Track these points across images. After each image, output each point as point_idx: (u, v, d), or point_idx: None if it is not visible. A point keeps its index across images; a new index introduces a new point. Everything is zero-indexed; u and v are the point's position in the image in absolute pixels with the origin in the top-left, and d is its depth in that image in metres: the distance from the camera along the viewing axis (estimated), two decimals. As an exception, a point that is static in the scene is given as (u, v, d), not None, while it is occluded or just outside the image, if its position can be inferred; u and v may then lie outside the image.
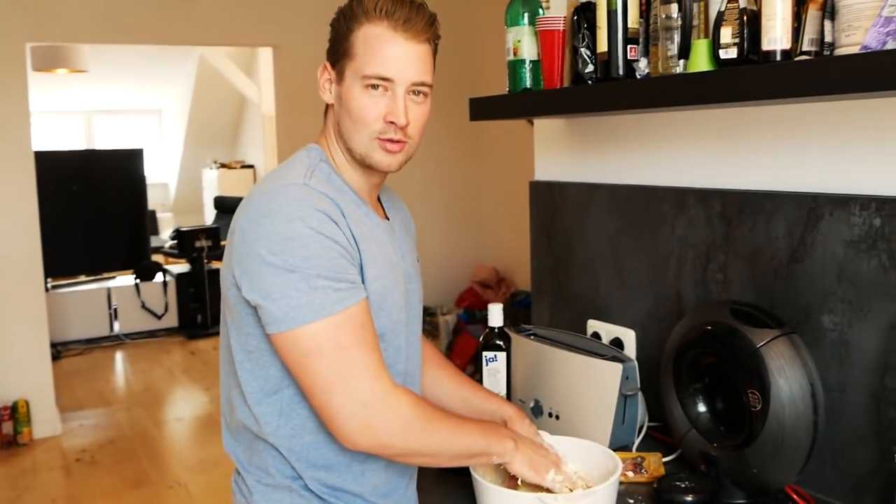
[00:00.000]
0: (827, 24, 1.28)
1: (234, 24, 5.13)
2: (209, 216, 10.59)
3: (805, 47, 1.28)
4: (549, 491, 1.36)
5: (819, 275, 1.47)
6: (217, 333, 7.07)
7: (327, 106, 1.37)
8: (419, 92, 1.30)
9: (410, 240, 1.52)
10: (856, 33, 1.20)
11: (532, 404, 1.82)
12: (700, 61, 1.39)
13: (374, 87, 1.26)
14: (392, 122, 1.27)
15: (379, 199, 1.45)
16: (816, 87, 1.18)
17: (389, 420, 1.20)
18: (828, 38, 1.28)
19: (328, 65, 1.32)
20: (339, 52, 1.29)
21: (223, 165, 10.90)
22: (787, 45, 1.27)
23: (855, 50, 1.18)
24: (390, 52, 1.26)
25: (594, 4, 1.61)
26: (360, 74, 1.26)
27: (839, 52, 1.23)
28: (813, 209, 1.48)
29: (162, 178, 11.87)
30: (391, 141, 1.29)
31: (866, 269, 1.40)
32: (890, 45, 1.14)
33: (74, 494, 3.98)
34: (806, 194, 1.49)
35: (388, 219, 1.43)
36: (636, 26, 1.55)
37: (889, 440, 1.36)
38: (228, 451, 1.39)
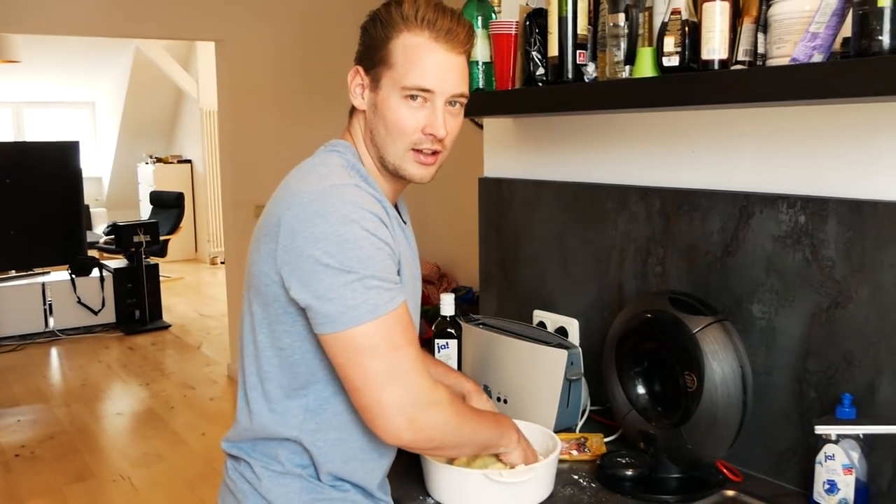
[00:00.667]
0: (760, 36, 1.39)
1: (175, 17, 5.10)
2: (145, 211, 10.45)
3: (740, 57, 1.39)
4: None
5: (749, 267, 1.60)
6: (155, 329, 7.03)
7: (354, 109, 1.36)
8: (456, 103, 1.31)
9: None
10: (786, 46, 1.32)
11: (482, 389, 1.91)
12: (644, 67, 1.50)
13: (413, 97, 1.26)
14: (431, 135, 1.28)
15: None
16: (749, 95, 1.29)
17: (434, 416, 1.24)
18: (761, 50, 1.40)
19: (360, 70, 1.31)
20: (374, 59, 1.28)
21: (159, 160, 10.77)
22: (724, 55, 1.38)
23: (785, 61, 1.30)
24: (431, 62, 1.25)
25: (546, 11, 1.71)
26: (399, 85, 1.25)
27: (771, 62, 1.35)
28: (745, 207, 1.60)
29: (95, 172, 11.65)
30: (426, 153, 1.30)
31: (792, 263, 1.53)
32: (816, 58, 1.26)
33: (15, 489, 3.94)
34: (738, 193, 1.62)
35: (405, 222, 1.46)
36: (585, 33, 1.66)
37: (810, 418, 1.48)
38: (227, 447, 1.40)
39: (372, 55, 1.28)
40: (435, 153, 1.31)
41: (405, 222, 1.45)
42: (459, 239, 5.34)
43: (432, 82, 1.26)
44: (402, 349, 1.21)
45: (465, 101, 1.33)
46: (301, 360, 1.28)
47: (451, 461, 1.50)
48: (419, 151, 1.30)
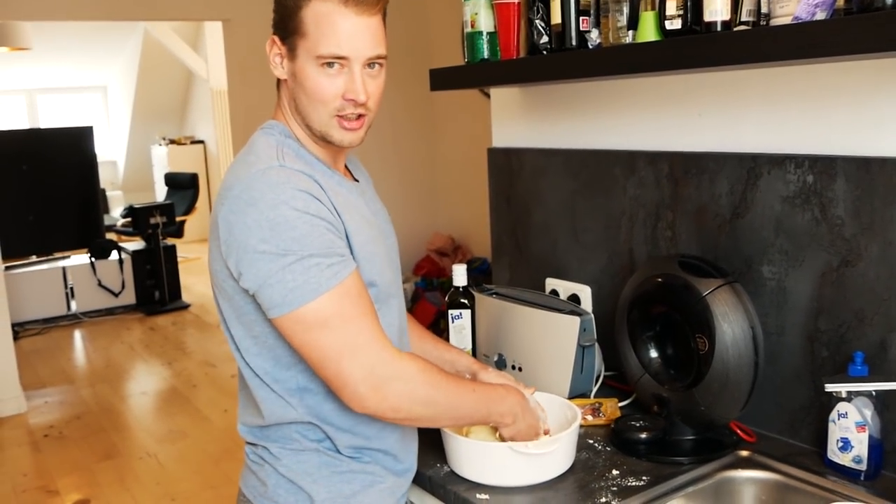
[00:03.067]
0: (763, -6, 1.39)
1: (182, -1, 5.11)
2: (160, 193, 10.52)
3: (744, 18, 1.39)
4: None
5: (759, 228, 1.60)
6: (175, 309, 7.10)
7: (279, 80, 1.36)
8: (374, 64, 1.29)
9: (376, 195, 1.55)
10: (789, 4, 1.31)
11: (496, 358, 1.93)
12: (647, 32, 1.49)
13: (330, 65, 1.25)
14: (351, 100, 1.28)
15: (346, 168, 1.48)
16: (752, 55, 1.29)
17: (397, 385, 1.23)
18: (764, 10, 1.39)
19: (276, 39, 1.30)
20: (288, 29, 1.27)
21: (172, 141, 10.81)
22: (726, 17, 1.38)
23: (788, 20, 1.29)
24: (343, 29, 1.24)
25: (548, -21, 1.70)
26: (314, 54, 1.25)
27: (774, 22, 1.34)
28: (752, 168, 1.60)
29: (110, 155, 11.72)
30: (349, 118, 1.29)
31: (801, 222, 1.53)
32: (819, 16, 1.25)
33: (45, 468, 4.03)
34: (746, 154, 1.61)
35: (356, 181, 1.46)
36: (588, -1, 1.65)
37: (822, 377, 1.49)
38: (243, 432, 1.42)
39: (286, 24, 1.27)
40: (360, 116, 1.31)
41: (357, 180, 1.46)
42: (473, 210, 5.34)
43: (346, 48, 1.25)
44: (354, 321, 1.22)
45: (383, 61, 1.31)
46: (276, 343, 1.29)
47: (464, 432, 1.52)
48: (343, 117, 1.29)
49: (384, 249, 1.41)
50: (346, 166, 1.47)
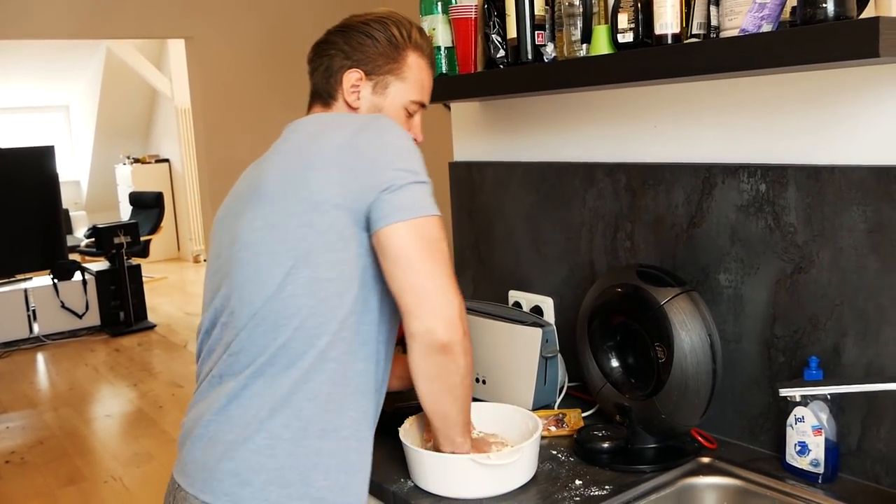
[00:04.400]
0: (713, 9, 1.42)
1: (143, 16, 5.08)
2: (125, 212, 10.41)
3: (695, 31, 1.42)
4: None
5: (715, 237, 1.62)
6: (141, 329, 7.02)
7: (333, 101, 1.46)
8: None
9: None
10: (737, 17, 1.34)
11: (460, 371, 1.93)
12: (601, 45, 1.52)
13: (412, 110, 1.48)
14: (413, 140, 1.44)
15: None
16: (700, 67, 1.31)
17: (461, 322, 1.29)
18: (714, 23, 1.42)
19: (363, 74, 1.44)
20: (384, 68, 1.43)
21: (137, 160, 10.72)
22: (676, 30, 1.40)
23: (735, 33, 1.32)
24: (428, 83, 1.49)
25: (503, -6, 1.72)
26: (408, 98, 1.46)
27: (723, 34, 1.37)
28: (707, 178, 1.62)
29: (73, 175, 11.60)
30: None
31: (755, 230, 1.55)
32: (764, 28, 1.28)
33: (6, 495, 3.95)
34: (701, 165, 1.64)
35: None
36: (542, 13, 1.67)
37: (778, 382, 1.51)
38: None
39: (381, 64, 1.44)
40: None
41: None
42: (439, 224, 5.34)
43: (426, 99, 1.50)
44: (447, 255, 1.31)
45: None
46: (342, 296, 1.28)
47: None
48: None
49: None
50: None
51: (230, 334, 1.34)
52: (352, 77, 1.43)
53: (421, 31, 1.49)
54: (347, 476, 1.34)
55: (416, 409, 1.57)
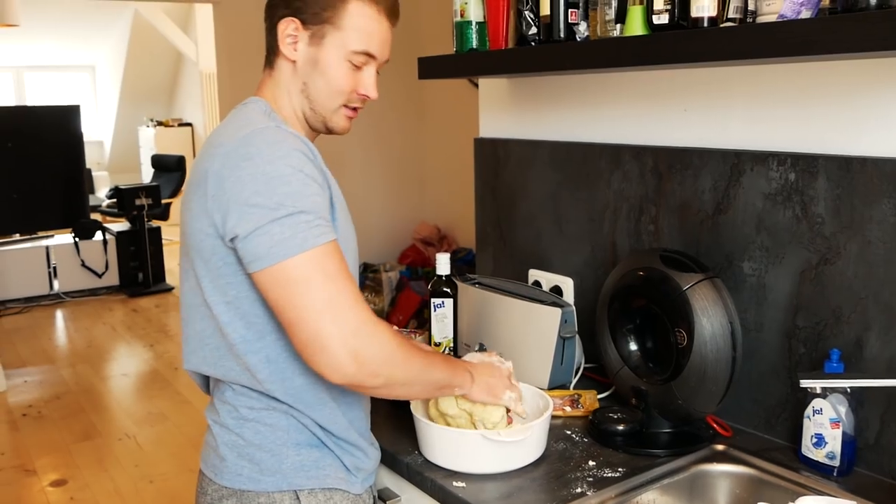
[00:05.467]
0: (751, -8, 1.39)
1: (174, -21, 5.07)
2: (146, 174, 10.46)
3: (731, 14, 1.39)
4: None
5: (740, 225, 1.61)
6: (159, 291, 7.08)
7: (275, 59, 1.39)
8: (379, 69, 1.42)
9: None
10: (775, 2, 1.32)
11: (477, 348, 1.94)
12: (635, 26, 1.50)
13: (355, 61, 1.36)
14: (364, 95, 1.39)
15: None
16: (738, 52, 1.29)
17: (376, 349, 1.21)
18: (751, 7, 1.40)
19: (297, 22, 1.34)
20: (320, 17, 1.33)
21: (160, 123, 10.75)
22: (713, 13, 1.38)
23: (774, 18, 1.30)
24: (378, 33, 1.36)
25: (538, -30, 1.70)
26: (347, 48, 1.34)
27: (760, 19, 1.35)
28: (736, 165, 1.61)
29: (97, 135, 11.64)
30: (354, 109, 1.41)
31: (782, 220, 1.54)
32: (804, 15, 1.26)
33: (22, 447, 4.01)
34: (729, 151, 1.62)
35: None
36: (577, -9, 1.65)
37: (799, 373, 1.50)
38: (212, 417, 1.41)
39: (317, 12, 1.33)
40: (356, 109, 1.43)
41: None
42: (459, 200, 5.34)
43: (376, 50, 1.37)
44: (338, 280, 1.20)
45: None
46: (250, 308, 1.28)
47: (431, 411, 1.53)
48: (349, 108, 1.41)
49: (350, 234, 1.40)
50: None
51: None
52: (288, 26, 1.35)
53: None
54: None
55: None
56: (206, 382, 1.47)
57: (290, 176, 1.21)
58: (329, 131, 1.43)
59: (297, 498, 1.33)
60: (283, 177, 1.20)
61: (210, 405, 1.44)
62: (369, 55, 1.37)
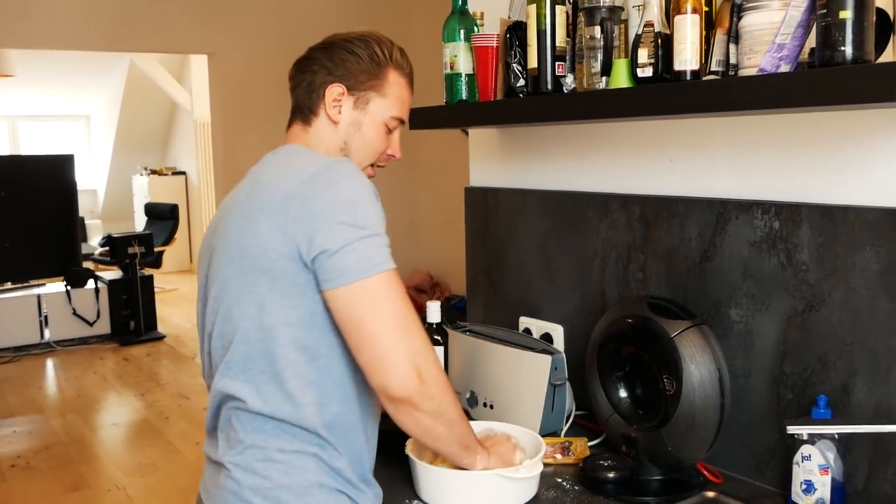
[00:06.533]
0: (732, 47, 1.43)
1: (167, 31, 5.15)
2: (140, 223, 10.48)
3: (713, 67, 1.43)
4: None
5: (727, 272, 1.63)
6: (150, 340, 7.04)
7: (313, 117, 1.48)
8: None
9: None
10: (756, 56, 1.35)
11: (468, 395, 1.94)
12: (620, 78, 1.53)
13: (391, 126, 1.50)
14: (391, 155, 1.54)
15: None
16: (719, 104, 1.33)
17: (436, 371, 1.31)
18: (733, 60, 1.43)
19: (345, 88, 1.46)
20: (366, 84, 1.46)
21: (154, 172, 10.79)
22: (696, 66, 1.42)
23: (754, 71, 1.34)
24: (407, 100, 1.52)
25: (525, 24, 1.74)
26: (389, 114, 1.49)
27: (742, 72, 1.38)
28: (721, 213, 1.63)
29: (91, 184, 11.68)
30: (374, 167, 1.54)
31: (767, 267, 1.56)
32: (783, 69, 1.30)
33: (10, 499, 3.96)
34: (715, 200, 1.65)
35: None
36: (563, 45, 1.69)
37: (786, 419, 1.51)
38: (229, 461, 1.39)
39: (363, 80, 1.47)
40: (378, 166, 1.56)
41: None
42: (451, 248, 5.37)
43: (406, 115, 1.53)
44: (407, 301, 1.31)
45: None
46: (308, 333, 1.32)
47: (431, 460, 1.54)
48: (373, 167, 1.53)
49: None
50: None
51: None
52: (334, 91, 1.46)
53: (402, 51, 1.52)
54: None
55: None
56: (217, 417, 1.44)
57: (370, 202, 1.31)
58: None
59: None
60: (365, 202, 1.30)
61: (226, 449, 1.39)
62: (401, 120, 1.52)
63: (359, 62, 1.46)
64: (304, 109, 1.49)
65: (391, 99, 1.48)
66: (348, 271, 1.26)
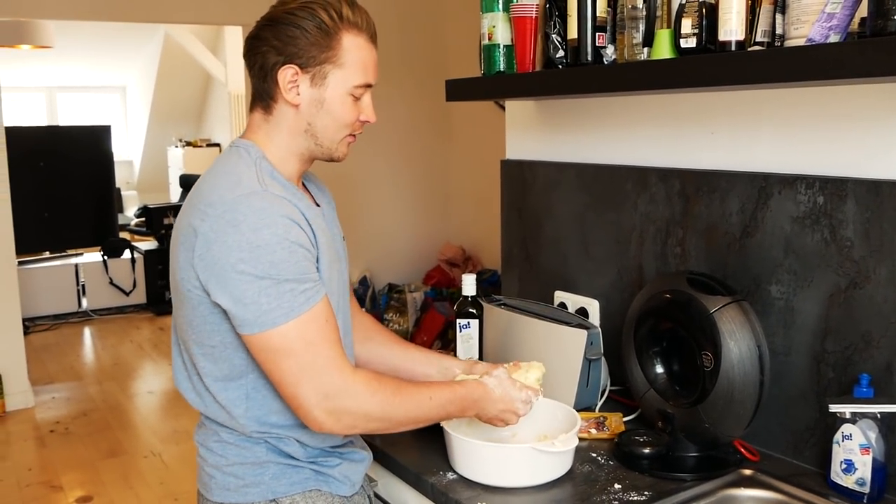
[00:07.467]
0: (778, 17, 1.40)
1: (202, 2, 5.14)
2: (175, 194, 10.57)
3: (759, 38, 1.40)
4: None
5: (768, 248, 1.60)
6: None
7: (273, 104, 1.38)
8: None
9: (336, 219, 1.57)
10: (803, 27, 1.32)
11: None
12: (662, 49, 1.50)
13: (358, 93, 1.39)
14: (366, 121, 1.42)
15: (305, 186, 1.50)
16: (764, 76, 1.30)
17: (351, 406, 1.30)
18: (779, 31, 1.40)
19: (298, 68, 1.34)
20: (319, 58, 1.34)
21: (188, 143, 10.86)
22: (741, 37, 1.39)
23: (802, 42, 1.30)
24: (370, 61, 1.39)
25: (565, -6, 1.71)
26: (351, 84, 1.37)
27: (788, 43, 1.35)
28: (763, 188, 1.60)
29: (126, 155, 11.78)
30: (354, 135, 1.44)
31: (810, 243, 1.53)
32: (832, 39, 1.26)
33: (49, 463, 4.05)
34: (757, 174, 1.62)
35: (318, 205, 1.49)
36: (604, 15, 1.66)
37: (827, 398, 1.49)
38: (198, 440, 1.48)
39: (315, 55, 1.34)
40: (357, 134, 1.46)
41: (318, 205, 1.49)
42: (485, 222, 5.35)
43: (372, 79, 1.40)
44: (316, 346, 1.28)
45: None
46: (234, 353, 1.34)
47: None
48: (352, 136, 1.44)
49: (337, 273, 1.44)
50: (304, 186, 1.50)
51: None
52: (287, 74, 1.34)
53: (352, 4, 1.37)
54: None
55: None
56: None
57: (276, 245, 1.25)
58: (331, 160, 1.45)
59: None
60: (268, 245, 1.24)
61: (197, 427, 1.49)
62: (368, 85, 1.40)
63: (306, 36, 1.33)
64: (263, 95, 1.39)
65: (350, 67, 1.36)
66: (247, 323, 1.25)
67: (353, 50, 1.36)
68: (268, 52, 1.35)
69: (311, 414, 1.28)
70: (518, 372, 1.60)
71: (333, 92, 1.36)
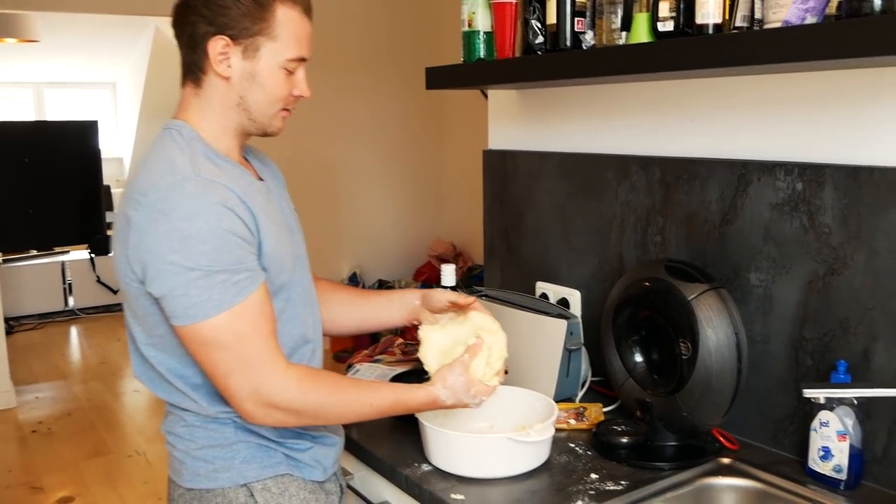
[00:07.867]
0: (757, 1, 1.38)
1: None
2: (164, 192, 10.52)
3: (738, 23, 1.38)
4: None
5: (747, 235, 1.59)
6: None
7: (203, 76, 1.34)
8: None
9: (284, 192, 1.54)
10: (781, 10, 1.31)
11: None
12: (640, 33, 1.49)
13: (292, 67, 1.35)
14: (299, 96, 1.38)
15: (246, 160, 1.47)
16: (743, 59, 1.28)
17: (281, 402, 1.28)
18: (758, 15, 1.39)
19: (229, 39, 1.30)
20: (252, 30, 1.30)
21: (179, 141, 10.81)
22: (718, 20, 1.37)
23: (779, 26, 1.29)
24: (305, 34, 1.35)
25: (544, -20, 1.70)
26: (284, 57, 1.32)
27: (767, 27, 1.34)
28: (743, 175, 1.59)
29: (116, 152, 11.71)
30: (288, 109, 1.41)
31: (789, 230, 1.52)
32: (808, 21, 1.25)
33: (31, 464, 4.01)
34: (737, 161, 1.61)
35: (261, 179, 1.45)
36: (583, 0, 1.65)
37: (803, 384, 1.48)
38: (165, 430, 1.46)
39: (247, 26, 1.29)
40: (290, 108, 1.42)
41: (261, 179, 1.45)
42: (475, 217, 5.30)
43: (307, 52, 1.36)
44: (248, 339, 1.26)
45: None
46: (179, 344, 1.31)
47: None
48: (286, 110, 1.40)
49: (289, 247, 1.40)
50: (246, 159, 1.46)
51: None
52: (217, 45, 1.29)
53: None
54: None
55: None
56: None
57: (207, 233, 1.21)
58: (265, 135, 1.41)
59: (251, 494, 1.37)
60: (199, 235, 1.21)
61: (164, 417, 1.47)
62: (302, 59, 1.36)
63: (238, 6, 1.28)
64: (192, 68, 1.34)
65: (283, 40, 1.32)
66: (177, 315, 1.23)
67: (287, 23, 1.32)
68: (197, 21, 1.30)
69: (241, 406, 1.28)
70: (478, 358, 1.47)
71: (266, 65, 1.32)
